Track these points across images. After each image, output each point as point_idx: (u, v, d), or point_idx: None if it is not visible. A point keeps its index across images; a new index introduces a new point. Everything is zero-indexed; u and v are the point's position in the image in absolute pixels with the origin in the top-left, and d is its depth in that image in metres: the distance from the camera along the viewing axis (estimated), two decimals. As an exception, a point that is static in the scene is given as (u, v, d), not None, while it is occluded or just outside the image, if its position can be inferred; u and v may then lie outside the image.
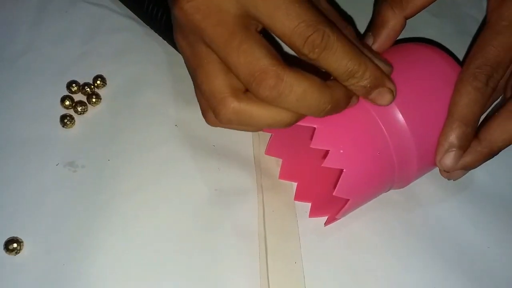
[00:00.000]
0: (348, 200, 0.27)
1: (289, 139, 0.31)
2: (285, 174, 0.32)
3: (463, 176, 0.30)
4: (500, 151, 0.28)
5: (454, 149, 0.27)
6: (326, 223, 0.30)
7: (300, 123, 0.26)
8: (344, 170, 0.26)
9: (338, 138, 0.26)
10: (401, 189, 0.31)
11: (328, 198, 0.30)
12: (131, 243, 0.29)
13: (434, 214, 0.31)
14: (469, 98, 0.27)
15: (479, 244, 0.30)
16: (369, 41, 0.30)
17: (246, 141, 0.33)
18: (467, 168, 0.28)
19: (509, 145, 0.28)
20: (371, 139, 0.27)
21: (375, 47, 0.30)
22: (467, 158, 0.28)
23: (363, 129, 0.27)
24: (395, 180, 0.28)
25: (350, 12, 0.40)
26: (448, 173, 0.29)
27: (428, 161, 0.28)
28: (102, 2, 0.40)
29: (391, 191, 0.30)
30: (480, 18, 0.40)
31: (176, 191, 0.31)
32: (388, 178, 0.28)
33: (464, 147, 0.27)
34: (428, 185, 0.32)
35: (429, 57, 0.29)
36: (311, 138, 0.26)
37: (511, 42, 0.27)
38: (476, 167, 0.29)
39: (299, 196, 0.31)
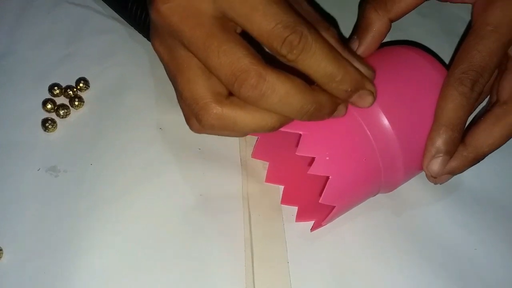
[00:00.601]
0: (334, 207, 0.27)
1: (276, 142, 0.31)
2: (272, 177, 0.32)
3: (451, 179, 0.30)
4: (486, 155, 0.28)
5: (441, 154, 0.27)
6: (312, 229, 0.29)
7: (285, 129, 0.26)
8: (330, 177, 0.26)
9: (324, 145, 0.26)
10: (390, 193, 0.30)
11: (315, 202, 0.30)
12: (114, 249, 0.28)
13: (421, 216, 0.31)
14: (454, 103, 0.27)
15: (466, 246, 0.30)
16: (355, 44, 0.30)
17: (232, 145, 0.33)
18: (454, 173, 0.28)
19: (495, 149, 0.28)
20: (356, 145, 0.26)
21: (360, 50, 0.30)
22: (453, 163, 0.28)
23: (348, 135, 0.27)
24: (381, 185, 0.28)
25: (335, 14, 0.40)
26: (435, 178, 0.29)
27: (415, 165, 0.28)
28: (85, 3, 0.39)
29: (379, 194, 0.30)
30: (468, 19, 0.40)
31: (160, 196, 0.30)
32: (375, 184, 0.28)
33: (450, 152, 0.27)
34: (415, 187, 0.32)
35: (415, 61, 0.29)
36: (298, 143, 0.26)
37: (496, 46, 0.27)
38: (463, 171, 0.29)
39: (285, 200, 0.31)
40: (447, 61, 0.37)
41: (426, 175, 0.29)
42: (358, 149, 0.26)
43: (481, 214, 0.31)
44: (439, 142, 0.27)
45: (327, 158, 0.26)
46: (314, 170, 0.26)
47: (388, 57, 0.30)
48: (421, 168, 0.28)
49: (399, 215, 0.31)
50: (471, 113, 0.28)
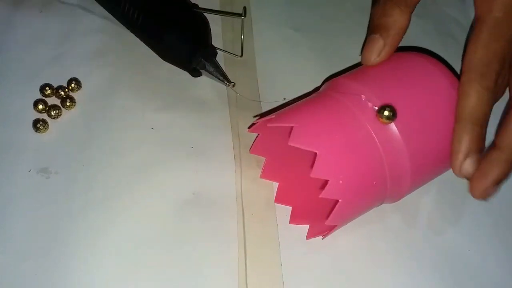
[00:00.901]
0: (335, 226, 0.27)
1: (275, 139, 0.31)
2: (268, 173, 0.31)
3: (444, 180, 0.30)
4: None
5: (472, 153, 0.26)
6: (308, 237, 0.29)
7: (284, 123, 0.26)
8: (340, 200, 0.25)
9: (338, 165, 0.25)
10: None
11: (310, 205, 0.30)
12: (106, 251, 0.28)
13: (414, 218, 0.31)
14: (478, 98, 0.26)
15: (459, 248, 0.30)
16: (379, 44, 0.29)
17: (225, 143, 0.33)
18: (499, 181, 0.26)
19: None
20: (366, 161, 0.26)
21: (386, 50, 0.29)
22: (495, 172, 0.26)
23: (358, 146, 0.26)
24: (385, 199, 0.28)
25: (329, 11, 0.39)
26: (483, 195, 0.27)
27: (421, 179, 0.28)
28: (77, 2, 0.39)
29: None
30: (461, 20, 0.40)
31: (153, 196, 0.30)
32: (378, 199, 0.27)
33: (481, 149, 0.26)
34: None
35: (429, 72, 0.28)
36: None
37: (511, 33, 0.26)
38: (509, 177, 0.27)
39: (280, 199, 0.31)
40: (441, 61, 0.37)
41: (470, 191, 0.27)
42: (367, 165, 0.26)
43: (474, 215, 0.31)
44: (468, 140, 0.25)
45: (340, 181, 0.25)
46: (318, 173, 0.25)
47: (402, 65, 0.29)
48: (428, 177, 0.27)
49: (391, 215, 0.31)
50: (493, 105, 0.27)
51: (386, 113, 0.25)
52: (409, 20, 0.29)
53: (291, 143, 0.25)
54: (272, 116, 0.28)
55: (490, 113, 0.26)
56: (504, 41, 0.26)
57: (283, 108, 0.29)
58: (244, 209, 0.30)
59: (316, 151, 0.25)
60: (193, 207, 0.30)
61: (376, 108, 0.26)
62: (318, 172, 0.25)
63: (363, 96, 0.26)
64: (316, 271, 0.28)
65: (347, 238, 0.30)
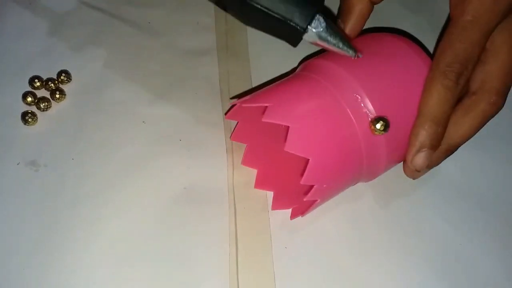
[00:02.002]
0: (316, 200, 0.26)
1: (254, 126, 0.30)
2: (248, 160, 0.31)
3: (438, 175, 0.30)
4: (458, 147, 0.29)
5: (425, 149, 0.27)
6: (291, 217, 0.29)
7: (259, 103, 0.26)
8: (310, 159, 0.25)
9: (306, 127, 0.26)
10: (374, 184, 0.30)
11: (292, 189, 0.30)
12: (96, 245, 0.28)
13: (406, 210, 0.31)
14: (439, 98, 0.27)
15: (451, 241, 0.30)
16: (340, 28, 0.30)
17: (217, 137, 0.33)
18: (429, 166, 0.28)
19: (466, 140, 0.28)
20: (339, 129, 0.26)
21: (347, 34, 0.30)
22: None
23: (332, 118, 0.26)
24: (363, 173, 0.28)
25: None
26: (413, 173, 0.29)
27: (397, 154, 0.28)
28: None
29: (363, 186, 0.30)
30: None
31: (143, 190, 0.30)
32: (355, 171, 0.27)
33: (435, 146, 0.27)
34: (400, 179, 0.31)
35: (403, 51, 0.28)
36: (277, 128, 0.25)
37: (478, 37, 0.27)
38: (438, 165, 0.29)
39: (259, 184, 0.31)
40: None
41: (403, 167, 0.29)
42: (341, 132, 0.26)
43: (466, 209, 0.31)
44: (424, 137, 0.27)
45: (309, 139, 0.25)
46: (292, 147, 0.25)
47: (376, 44, 0.29)
48: (403, 158, 0.28)
49: (384, 209, 0.31)
50: (455, 105, 0.28)
51: (378, 126, 0.26)
52: (369, 6, 0.30)
53: (265, 119, 0.25)
54: (247, 97, 0.28)
55: (450, 111, 0.27)
56: (469, 44, 0.27)
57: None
58: (236, 204, 0.30)
59: (290, 125, 0.25)
60: (185, 201, 0.30)
61: (371, 117, 0.26)
62: (291, 146, 0.25)
63: (354, 55, 0.26)
64: (309, 265, 0.28)
65: (338, 230, 0.29)
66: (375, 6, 0.31)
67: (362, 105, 0.26)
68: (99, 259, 0.28)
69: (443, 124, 0.27)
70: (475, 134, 0.28)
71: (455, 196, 0.31)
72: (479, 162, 0.33)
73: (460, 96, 0.28)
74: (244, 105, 0.27)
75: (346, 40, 0.26)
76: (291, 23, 0.25)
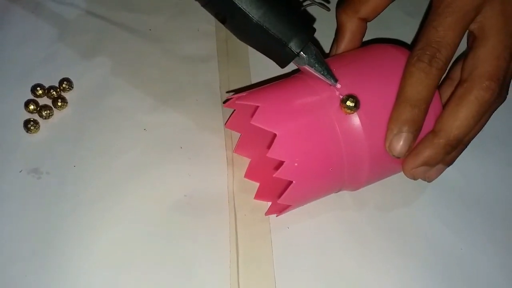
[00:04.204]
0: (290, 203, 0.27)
1: (248, 117, 0.30)
2: (241, 149, 0.32)
3: (438, 179, 0.30)
4: (459, 140, 0.27)
5: (403, 132, 0.26)
6: (267, 213, 0.30)
7: (251, 102, 0.27)
8: (277, 133, 0.26)
9: (292, 140, 0.26)
10: (374, 190, 0.30)
11: (274, 184, 0.30)
12: (97, 252, 0.28)
13: (407, 215, 0.31)
14: (412, 79, 0.27)
15: (452, 246, 0.30)
16: (333, 49, 0.31)
17: (218, 145, 0.33)
18: (429, 163, 0.28)
19: (465, 132, 0.27)
20: (325, 144, 0.26)
21: (339, 52, 0.31)
22: (426, 153, 0.27)
23: (319, 131, 0.26)
24: (345, 180, 0.28)
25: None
26: (412, 171, 0.28)
27: (380, 169, 0.28)
28: (70, 1, 0.39)
29: (363, 191, 0.30)
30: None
31: (144, 197, 0.30)
32: (336, 183, 0.28)
33: (414, 130, 0.26)
34: (400, 185, 0.31)
35: (385, 50, 0.29)
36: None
37: (451, 21, 0.27)
38: (439, 162, 0.28)
39: (249, 175, 0.31)
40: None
41: (403, 169, 0.28)
42: (326, 151, 0.26)
43: (467, 214, 0.31)
44: (399, 119, 0.26)
45: (296, 164, 0.26)
46: (273, 153, 0.25)
47: (363, 51, 0.30)
48: (392, 170, 0.28)
49: (384, 214, 0.31)
50: (434, 90, 0.27)
51: (348, 103, 0.26)
52: (359, 24, 0.31)
53: (253, 122, 0.26)
54: (244, 94, 0.28)
55: (427, 93, 0.27)
56: (442, 27, 0.27)
57: None
58: (237, 211, 0.30)
59: (276, 132, 0.25)
60: (185, 208, 0.30)
61: (341, 97, 0.26)
62: (274, 153, 0.25)
63: (335, 84, 0.27)
64: (310, 272, 0.28)
65: (339, 235, 0.30)
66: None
67: (336, 91, 0.27)
68: (100, 265, 0.28)
69: (420, 106, 0.26)
70: (475, 124, 0.27)
71: (455, 201, 0.31)
72: (480, 166, 0.33)
73: (439, 81, 0.27)
74: (237, 102, 0.28)
75: (329, 69, 0.27)
76: (287, 46, 0.27)
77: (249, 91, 0.29)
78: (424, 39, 0.27)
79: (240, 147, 0.32)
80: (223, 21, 0.28)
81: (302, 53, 0.27)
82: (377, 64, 0.29)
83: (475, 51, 0.28)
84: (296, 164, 0.26)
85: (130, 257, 0.28)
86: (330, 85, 0.27)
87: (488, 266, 0.29)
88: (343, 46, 0.31)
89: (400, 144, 0.26)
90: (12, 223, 0.29)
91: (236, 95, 0.29)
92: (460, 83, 0.28)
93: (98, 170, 0.31)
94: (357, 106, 0.26)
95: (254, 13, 0.26)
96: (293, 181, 0.26)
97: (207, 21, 0.38)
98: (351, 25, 0.31)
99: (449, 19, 0.27)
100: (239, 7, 0.26)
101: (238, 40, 0.37)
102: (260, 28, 0.26)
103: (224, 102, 0.33)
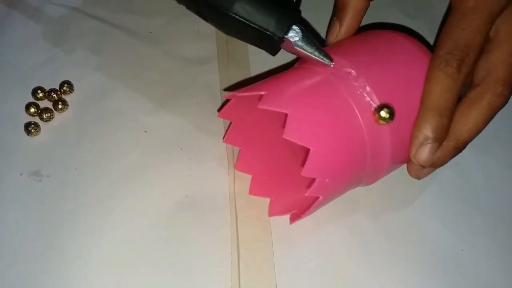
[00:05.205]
0: (316, 198, 0.25)
1: (245, 108, 0.29)
2: (230, 138, 0.31)
3: (439, 180, 0.30)
4: (467, 143, 0.27)
5: (429, 141, 0.26)
6: (291, 221, 0.28)
7: (268, 107, 0.24)
8: (311, 149, 0.24)
9: (313, 130, 0.24)
10: (374, 191, 0.30)
11: (290, 193, 0.30)
12: (98, 254, 0.28)
13: (408, 218, 0.31)
14: (441, 86, 0.26)
15: (452, 248, 0.30)
16: (335, 26, 0.29)
17: (218, 146, 0.33)
18: (436, 165, 0.27)
19: (475, 135, 0.27)
20: (345, 128, 0.25)
21: (342, 31, 0.29)
22: (435, 155, 0.27)
23: (339, 116, 0.25)
24: (365, 174, 0.27)
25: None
26: (417, 172, 0.28)
27: (402, 156, 0.27)
28: (70, 3, 0.39)
29: (363, 193, 0.30)
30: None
31: (145, 199, 0.30)
32: (359, 169, 0.26)
33: (440, 139, 0.26)
34: (401, 187, 0.31)
35: (403, 45, 0.28)
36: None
37: (479, 23, 0.26)
38: (445, 163, 0.28)
39: (240, 167, 0.31)
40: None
41: (407, 167, 0.28)
42: (343, 123, 0.25)
43: (468, 215, 0.31)
44: (427, 128, 0.25)
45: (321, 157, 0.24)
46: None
47: (376, 39, 0.28)
48: (406, 160, 0.27)
49: (384, 216, 0.30)
50: (459, 95, 0.27)
51: (383, 113, 0.24)
52: (364, 1, 0.29)
53: (286, 136, 0.24)
54: (242, 89, 0.27)
55: (454, 100, 0.26)
56: (470, 30, 0.26)
57: None
58: (238, 212, 0.30)
59: (310, 148, 0.24)
60: (186, 210, 0.30)
61: (374, 106, 0.25)
62: (307, 171, 0.24)
63: (350, 71, 0.25)
64: (311, 274, 0.28)
65: (339, 238, 0.29)
66: (374, 12, 0.31)
67: (364, 94, 0.25)
68: (101, 267, 0.28)
69: (447, 115, 0.26)
70: (483, 128, 0.27)
71: (456, 202, 0.31)
72: (481, 167, 0.33)
73: (464, 86, 0.27)
74: (238, 94, 0.26)
75: (322, 49, 0.26)
76: (268, 33, 0.26)
77: (252, 85, 0.27)
78: (451, 41, 0.26)
79: (229, 136, 0.31)
80: (205, 18, 0.28)
81: (287, 36, 0.26)
82: (398, 59, 0.27)
83: (489, 55, 0.27)
84: (327, 180, 0.24)
85: (131, 259, 0.28)
86: (325, 64, 0.26)
87: (489, 268, 0.29)
88: (345, 25, 0.29)
89: (426, 154, 0.26)
90: (12, 225, 0.29)
91: (233, 92, 0.27)
92: (472, 86, 0.27)
93: (99, 172, 0.31)
94: (392, 117, 0.25)
95: (229, 6, 0.26)
96: (320, 197, 0.24)
97: (207, 23, 0.38)
98: (356, 3, 0.29)
99: (478, 21, 0.26)
100: (213, 3, 0.26)
101: (239, 41, 0.37)
102: (237, 20, 0.26)
103: (218, 110, 0.32)
